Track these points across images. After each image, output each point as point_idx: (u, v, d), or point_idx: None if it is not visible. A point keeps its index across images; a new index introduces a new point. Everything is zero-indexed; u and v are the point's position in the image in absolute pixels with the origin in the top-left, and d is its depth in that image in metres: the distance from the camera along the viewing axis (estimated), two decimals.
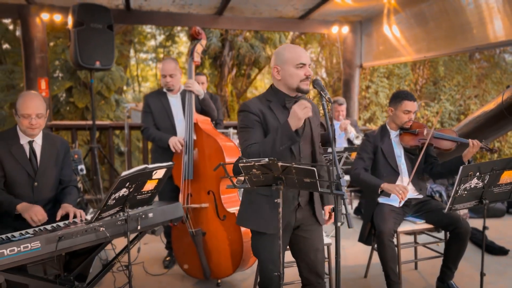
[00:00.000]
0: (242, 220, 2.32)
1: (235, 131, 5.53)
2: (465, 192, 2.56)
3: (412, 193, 3.23)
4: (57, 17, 5.47)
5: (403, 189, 2.97)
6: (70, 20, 4.83)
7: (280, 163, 1.78)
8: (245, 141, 2.17)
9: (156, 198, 3.66)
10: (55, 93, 6.56)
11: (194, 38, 3.67)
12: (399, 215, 3.16)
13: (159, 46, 14.95)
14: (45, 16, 5.46)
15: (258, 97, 2.31)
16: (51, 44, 8.42)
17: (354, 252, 4.09)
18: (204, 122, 3.52)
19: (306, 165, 1.74)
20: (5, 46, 9.55)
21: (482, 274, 2.68)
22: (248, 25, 6.29)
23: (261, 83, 16.17)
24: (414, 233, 3.50)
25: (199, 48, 3.64)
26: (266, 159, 1.77)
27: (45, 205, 2.75)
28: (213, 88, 10.03)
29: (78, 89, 6.66)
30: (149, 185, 2.55)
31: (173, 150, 3.43)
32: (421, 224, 3.19)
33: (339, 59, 6.97)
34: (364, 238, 3.31)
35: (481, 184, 2.57)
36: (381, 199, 3.22)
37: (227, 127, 5.36)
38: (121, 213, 2.49)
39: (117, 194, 2.33)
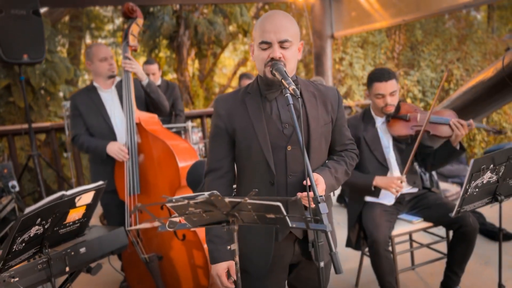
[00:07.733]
0: None
1: (195, 124, 4.88)
2: (476, 189, 2.04)
3: (404, 187, 2.70)
4: None
5: (400, 185, 2.52)
6: None
7: (227, 199, 1.18)
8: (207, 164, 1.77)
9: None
10: None
11: (127, 17, 2.98)
12: (392, 216, 2.65)
13: (117, 29, 13.85)
14: None
15: (240, 88, 1.76)
16: None
17: (342, 256, 3.55)
18: (149, 120, 2.88)
19: (264, 200, 1.15)
20: None
21: (500, 286, 2.19)
22: None
23: (230, 61, 15.28)
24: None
25: (134, 28, 2.95)
26: (206, 195, 1.17)
27: None
28: (173, 73, 9.11)
29: (18, 87, 5.85)
30: (74, 215, 2.02)
31: (119, 160, 2.78)
32: (419, 223, 2.67)
33: (308, 30, 6.33)
34: (353, 244, 2.79)
35: (495, 177, 2.04)
36: (369, 198, 2.69)
37: (190, 117, 4.71)
38: (41, 255, 1.93)
39: (25, 236, 1.76)
